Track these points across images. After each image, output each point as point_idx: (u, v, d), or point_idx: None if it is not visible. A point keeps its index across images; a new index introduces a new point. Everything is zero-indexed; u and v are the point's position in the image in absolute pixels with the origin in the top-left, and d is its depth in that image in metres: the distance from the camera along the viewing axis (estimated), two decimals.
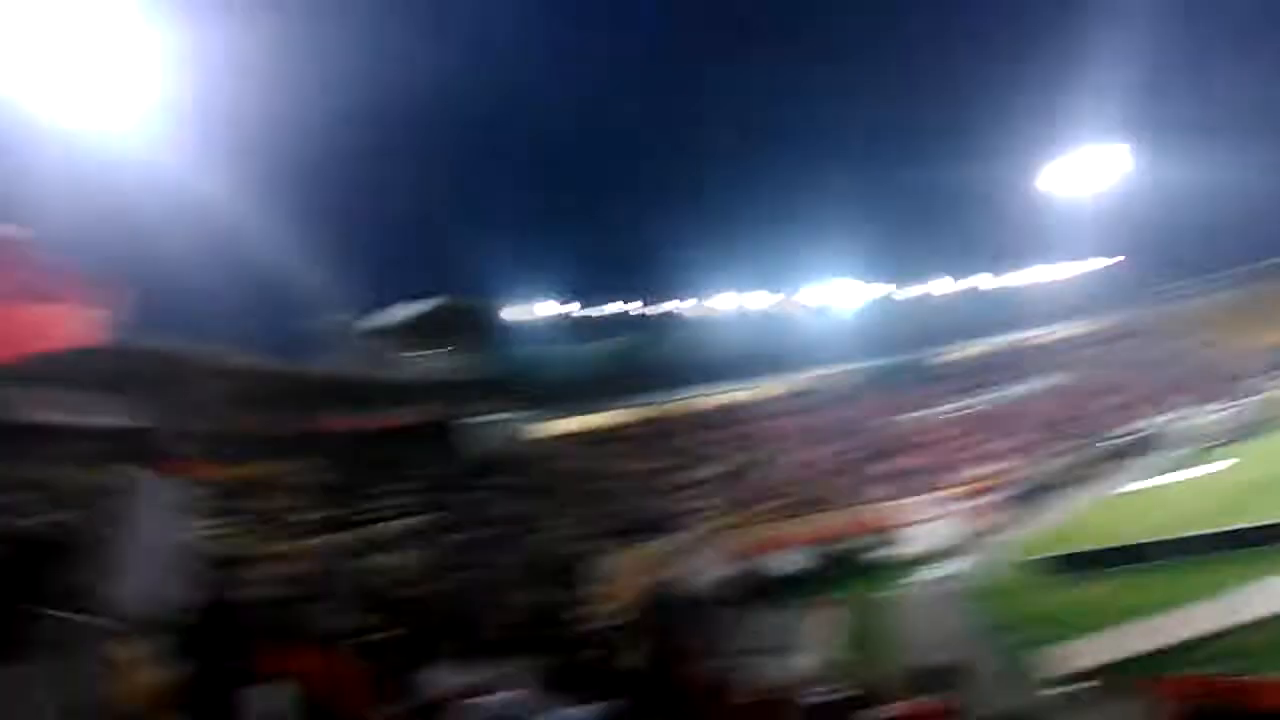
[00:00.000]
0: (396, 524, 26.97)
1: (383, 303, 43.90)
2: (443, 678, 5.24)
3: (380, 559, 22.78)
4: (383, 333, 43.19)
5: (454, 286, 44.37)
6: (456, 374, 41.33)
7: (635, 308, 51.42)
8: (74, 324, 4.40)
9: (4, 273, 3.99)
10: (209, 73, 22.16)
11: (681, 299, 51.96)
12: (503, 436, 37.14)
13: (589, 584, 23.59)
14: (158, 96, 19.80)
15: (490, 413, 37.69)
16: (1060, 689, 14.21)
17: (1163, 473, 34.17)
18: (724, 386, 47.03)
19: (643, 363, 47.56)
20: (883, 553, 30.44)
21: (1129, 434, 39.20)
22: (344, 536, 24.37)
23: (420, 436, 34.32)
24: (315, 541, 23.18)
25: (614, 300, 51.04)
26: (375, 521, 26.86)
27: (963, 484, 34.59)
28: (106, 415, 24.56)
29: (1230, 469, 32.21)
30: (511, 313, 46.32)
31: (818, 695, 8.39)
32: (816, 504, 33.56)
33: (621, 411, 43.73)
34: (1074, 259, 59.55)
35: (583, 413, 42.74)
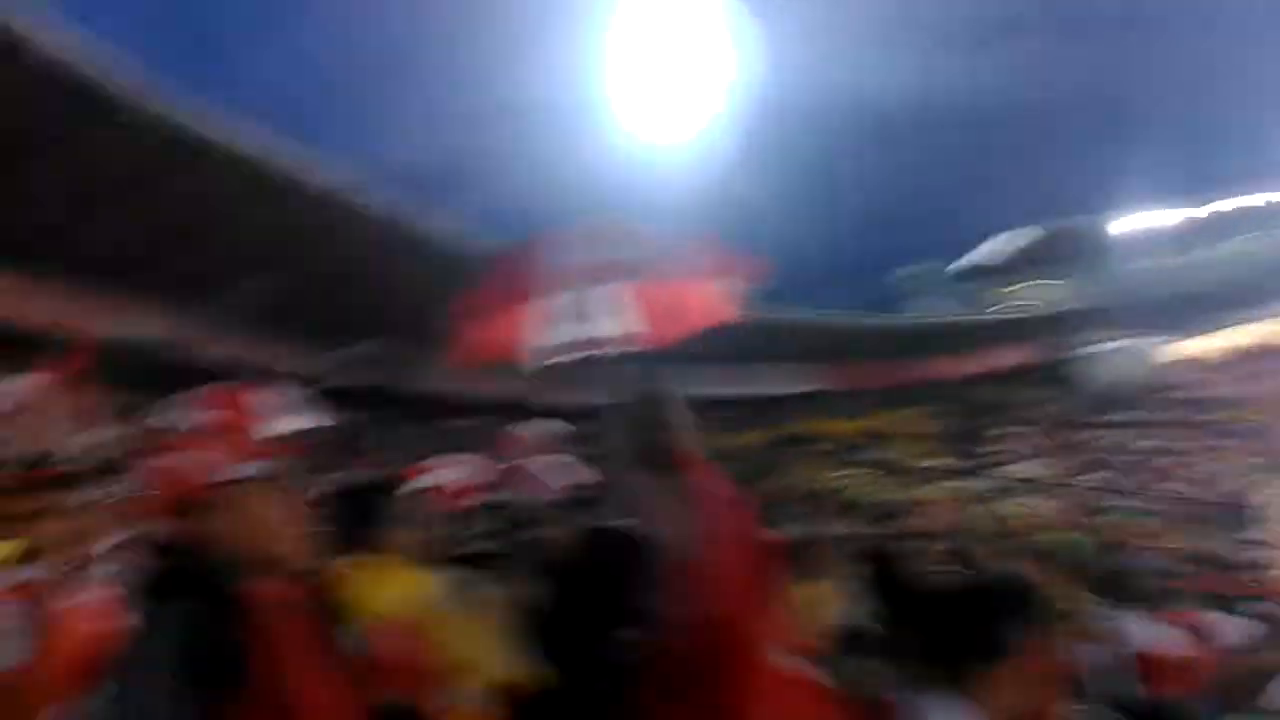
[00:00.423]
0: (1022, 467, 26.29)
1: (976, 240, 43.00)
2: (1133, 628, 4.98)
3: (1012, 505, 22.42)
4: (981, 271, 42.24)
5: (1049, 211, 41.62)
6: (1067, 304, 38.74)
7: (1261, 199, 42.69)
8: (714, 300, 4.54)
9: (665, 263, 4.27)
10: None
11: None
12: (1127, 366, 33.91)
13: (1260, 526, 20.46)
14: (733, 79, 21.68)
15: (1109, 341, 34.69)
16: None
17: None
18: None
19: None
20: None
21: None
22: (971, 483, 24.44)
23: (1035, 375, 32.96)
24: (945, 489, 23.66)
25: (1234, 195, 42.99)
26: (998, 465, 26.50)
27: None
28: (749, 386, 27.69)
29: None
30: (1119, 226, 41.84)
31: None
32: None
33: (1268, 325, 37.06)
34: None
35: (1215, 330, 37.17)
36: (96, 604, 2.83)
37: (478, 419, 20.59)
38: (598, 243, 4.22)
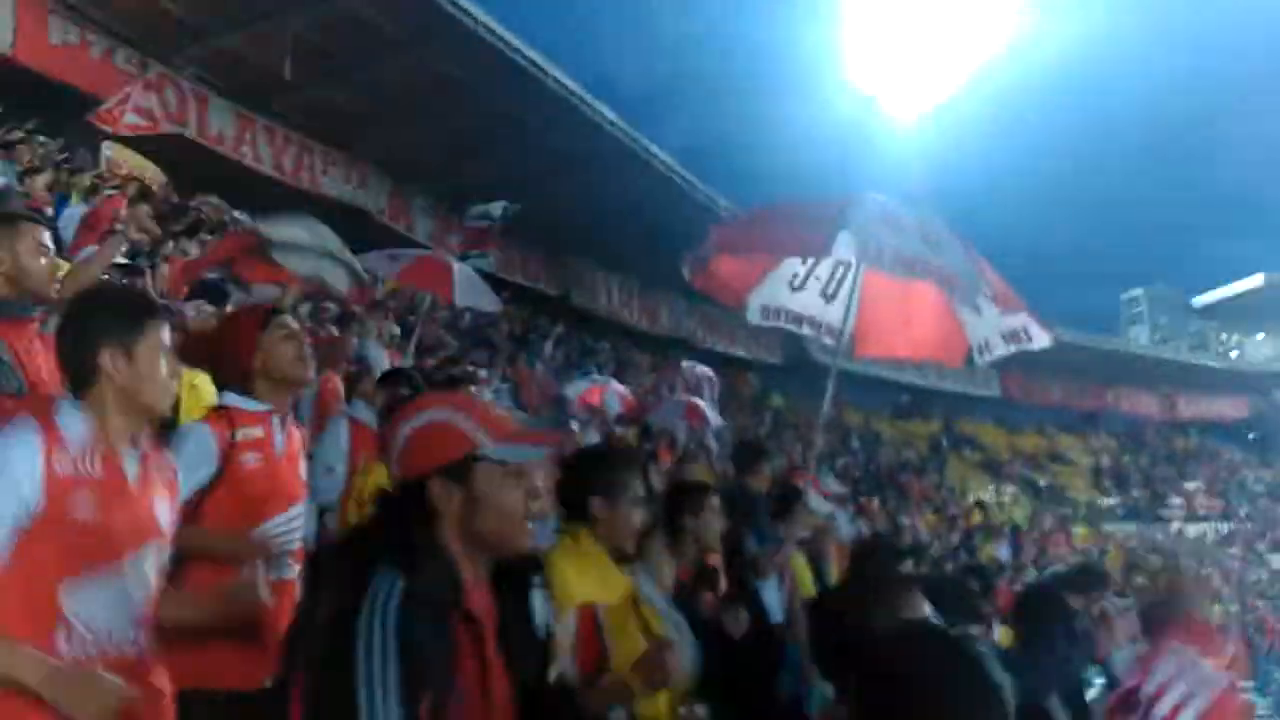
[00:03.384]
0: (1196, 525, 25.49)
1: (1205, 278, 40.50)
2: None
3: (1156, 557, 21.98)
4: (1201, 311, 40.02)
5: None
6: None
7: None
8: (950, 342, 4.57)
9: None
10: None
11: None
12: None
13: None
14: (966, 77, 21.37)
15: None
16: None
17: None
18: None
19: None
20: None
21: None
22: (1130, 526, 23.99)
23: (1234, 432, 31.40)
24: (1100, 526, 23.35)
25: None
26: (1169, 519, 25.77)
27: None
28: (922, 375, 27.70)
29: None
30: None
31: None
32: None
33: None
34: None
35: None
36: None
37: (636, 346, 21.78)
38: (893, 227, 4.03)
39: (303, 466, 3.18)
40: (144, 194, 9.85)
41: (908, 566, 4.99)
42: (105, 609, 2.14)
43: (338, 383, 6.73)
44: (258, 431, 2.96)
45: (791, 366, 23.30)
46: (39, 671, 1.97)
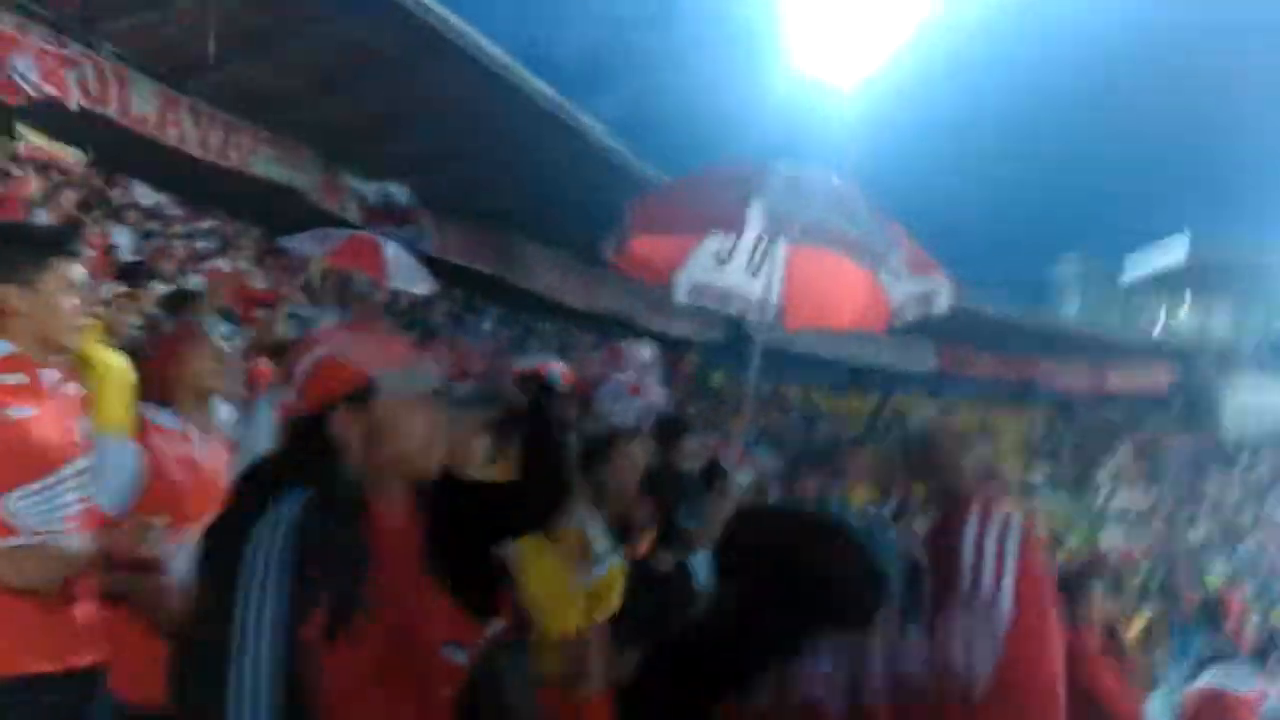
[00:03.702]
0: (1124, 497, 26.28)
1: (1128, 246, 41.35)
2: None
3: (1109, 533, 22.63)
4: (1132, 283, 41.05)
5: (1203, 228, 39.27)
6: (1215, 333, 37.49)
7: None
8: (874, 305, 4.55)
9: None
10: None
11: None
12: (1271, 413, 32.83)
13: None
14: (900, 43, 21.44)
15: (1257, 383, 33.56)
16: None
17: None
18: None
19: None
20: None
21: None
22: (1059, 497, 24.66)
23: (1165, 403, 32.37)
24: (1031, 502, 23.93)
25: None
26: (1099, 490, 26.55)
27: None
28: (860, 350, 28.11)
29: None
30: None
31: None
32: None
33: None
34: None
35: None
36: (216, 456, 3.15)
37: (576, 326, 21.80)
38: (813, 199, 4.05)
39: (228, 469, 3.22)
40: (66, 179, 9.68)
41: None
42: (44, 511, 2.36)
43: (265, 368, 6.77)
44: (180, 445, 3.04)
45: (732, 344, 23.49)
46: None
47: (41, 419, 2.39)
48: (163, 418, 3.05)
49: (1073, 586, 4.75)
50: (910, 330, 29.63)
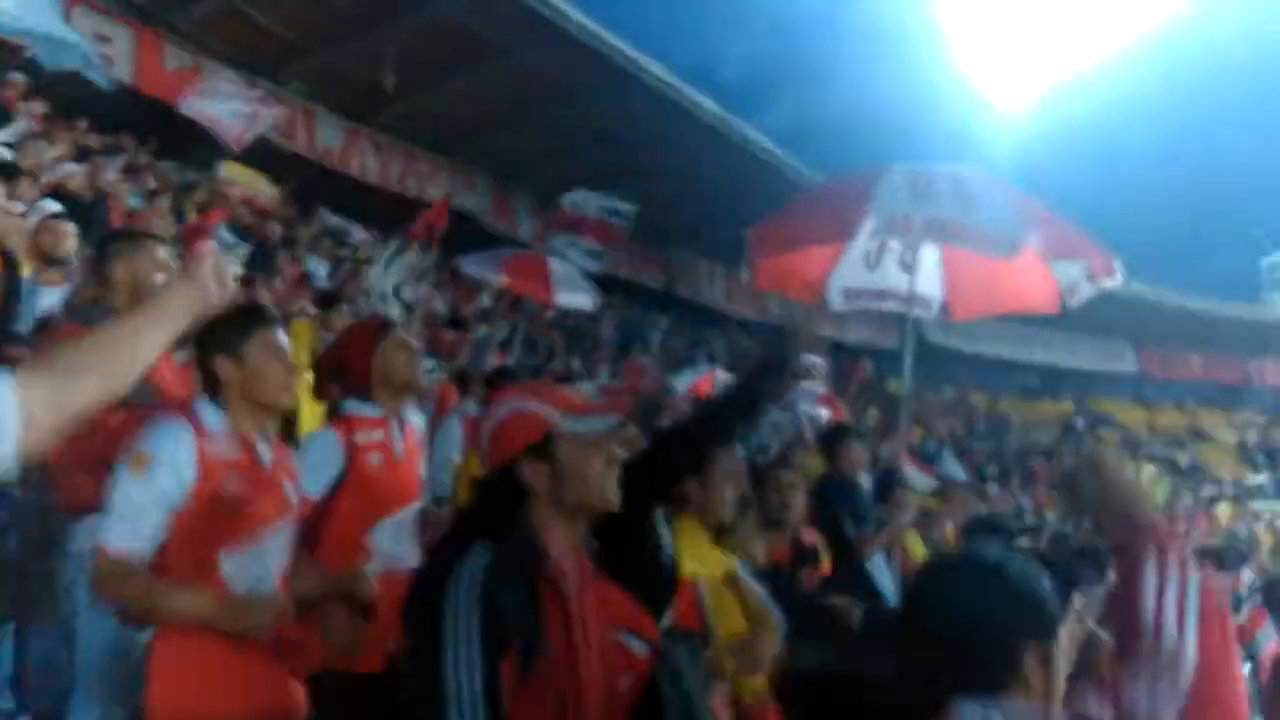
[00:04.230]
0: None
1: None
2: None
3: None
4: None
5: None
6: None
7: None
8: (1039, 290, 4.57)
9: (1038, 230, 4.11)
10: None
11: None
12: None
13: None
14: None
15: None
16: None
17: None
18: None
19: None
20: None
21: None
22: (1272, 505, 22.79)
23: None
24: (1247, 504, 22.27)
25: None
26: None
27: None
28: (1052, 353, 26.90)
29: None
30: None
31: None
32: None
33: None
34: None
35: None
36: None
37: (747, 336, 21.76)
38: (935, 195, 4.14)
39: (421, 465, 3.47)
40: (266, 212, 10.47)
41: (1023, 544, 4.95)
42: (254, 571, 2.55)
43: (452, 391, 7.29)
44: (377, 435, 3.25)
45: (909, 350, 22.87)
46: (214, 605, 2.43)
47: (257, 494, 2.58)
48: (362, 408, 3.26)
49: None
50: (1108, 330, 28.23)
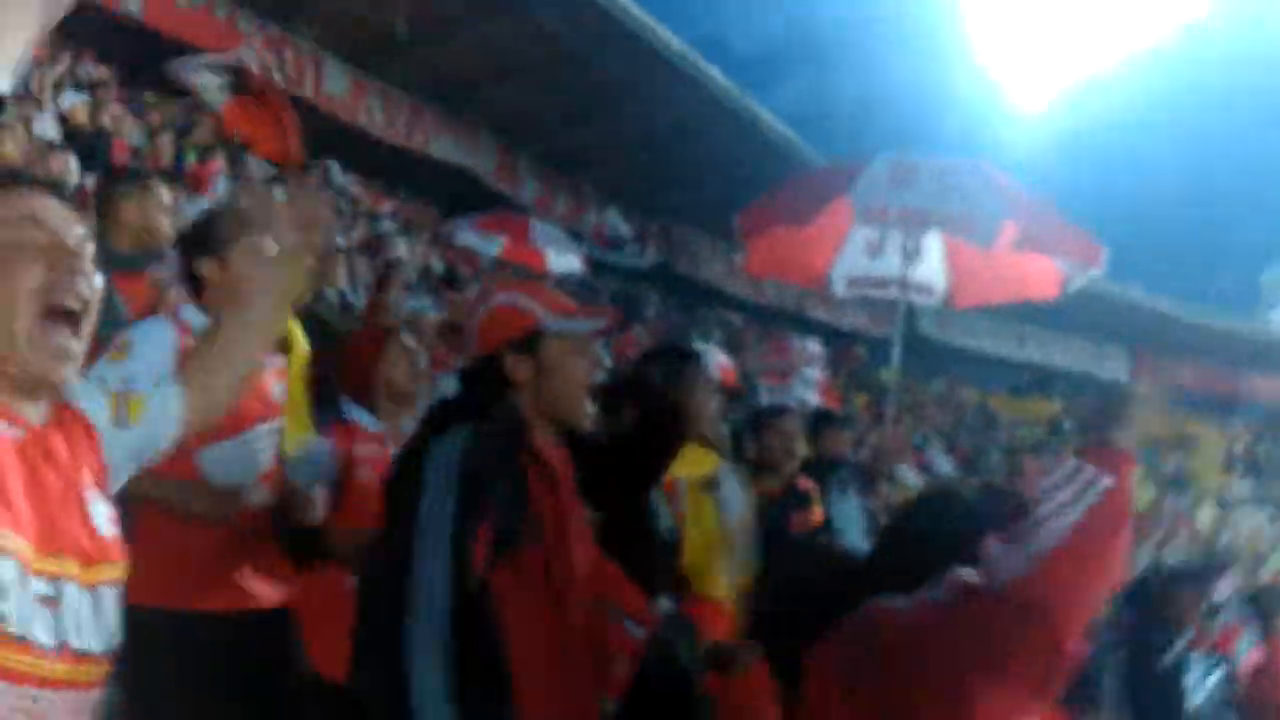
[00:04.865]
0: None
1: None
2: None
3: None
4: None
5: None
6: None
7: None
8: (1037, 277, 4.65)
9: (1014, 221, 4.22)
10: None
11: None
12: None
13: None
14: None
15: None
16: None
17: None
18: None
19: None
20: None
21: None
22: (1262, 518, 22.95)
23: None
24: (1235, 518, 22.41)
25: None
26: None
27: None
28: (1045, 352, 26.99)
29: None
30: None
31: None
32: None
33: None
34: None
35: None
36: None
37: (743, 317, 21.75)
38: (916, 184, 4.22)
39: None
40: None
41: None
42: (234, 467, 2.57)
43: (443, 346, 7.22)
44: (374, 449, 3.16)
45: (903, 340, 22.92)
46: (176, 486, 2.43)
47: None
48: (361, 418, 3.20)
49: (1269, 601, 4.57)
50: (1103, 333, 28.25)
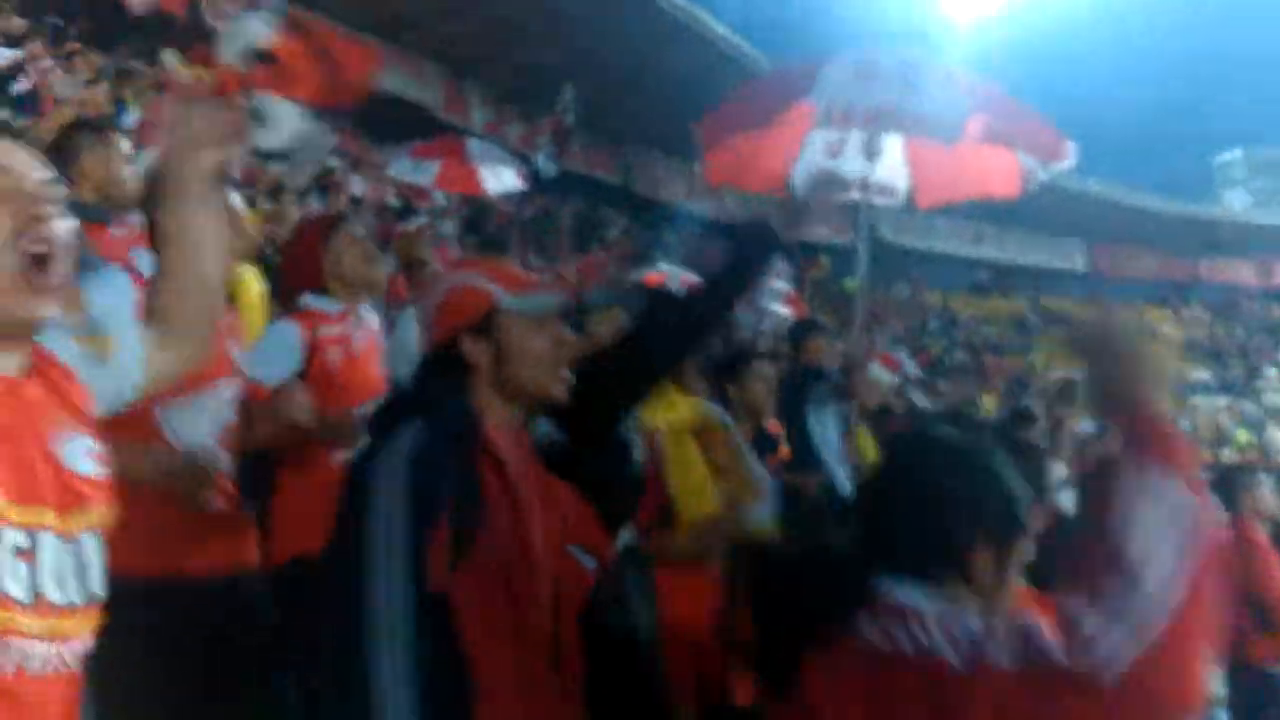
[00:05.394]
0: None
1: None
2: None
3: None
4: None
5: None
6: None
7: None
8: (999, 173, 4.54)
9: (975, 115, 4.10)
10: None
11: None
12: None
13: None
14: None
15: None
16: None
17: None
18: None
19: None
20: None
21: None
22: (1221, 400, 23.56)
23: None
24: (1194, 403, 22.95)
25: None
26: (1262, 390, 25.24)
27: None
28: (1004, 250, 27.16)
29: None
30: None
31: None
32: None
33: None
34: None
35: None
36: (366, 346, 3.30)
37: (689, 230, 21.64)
38: (879, 82, 4.10)
39: (379, 360, 3.40)
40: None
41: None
42: (195, 428, 2.54)
43: (402, 279, 7.11)
44: (337, 329, 3.18)
45: (864, 248, 22.96)
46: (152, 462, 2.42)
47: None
48: (320, 303, 3.20)
49: (1235, 479, 4.68)
50: (1059, 228, 28.53)
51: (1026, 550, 1.56)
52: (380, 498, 1.75)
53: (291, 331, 3.14)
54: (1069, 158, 4.30)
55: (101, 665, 2.35)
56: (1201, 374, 25.61)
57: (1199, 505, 1.35)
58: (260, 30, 2.21)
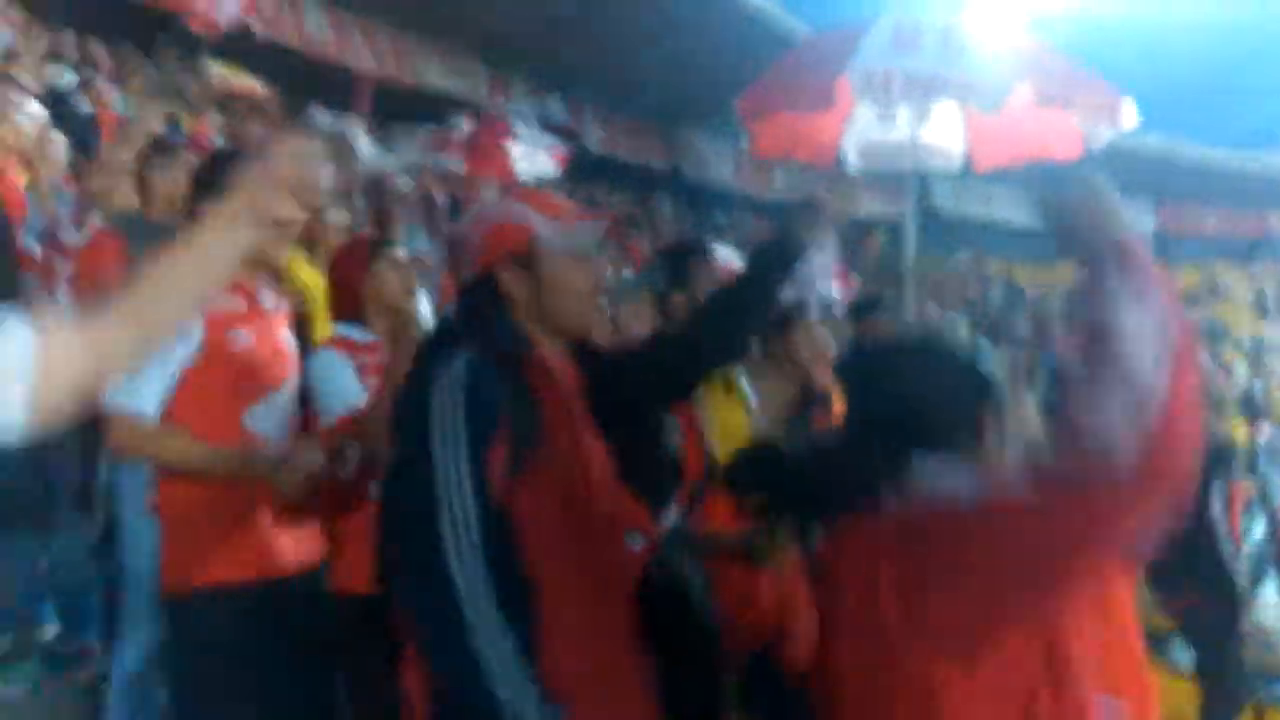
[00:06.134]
0: None
1: None
2: None
3: None
4: None
5: None
6: None
7: None
8: (1059, 136, 4.51)
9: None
10: None
11: None
12: None
13: None
14: None
15: None
16: None
17: None
18: None
19: None
20: None
21: None
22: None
23: None
24: (1263, 360, 22.25)
25: None
26: None
27: None
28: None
29: None
30: None
31: None
32: None
33: None
34: None
35: None
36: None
37: (755, 216, 21.49)
38: (918, 51, 4.06)
39: None
40: (256, 110, 10.23)
41: None
42: (275, 426, 2.63)
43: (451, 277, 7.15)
44: (373, 360, 3.18)
45: (919, 222, 22.60)
46: (225, 457, 2.46)
47: (260, 341, 2.63)
48: (352, 333, 3.22)
49: None
50: (1124, 188, 28.03)
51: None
52: (439, 413, 1.77)
53: (345, 365, 3.11)
54: (1130, 117, 4.18)
55: (200, 674, 2.40)
56: (1274, 333, 24.79)
57: (1176, 308, 1.47)
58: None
